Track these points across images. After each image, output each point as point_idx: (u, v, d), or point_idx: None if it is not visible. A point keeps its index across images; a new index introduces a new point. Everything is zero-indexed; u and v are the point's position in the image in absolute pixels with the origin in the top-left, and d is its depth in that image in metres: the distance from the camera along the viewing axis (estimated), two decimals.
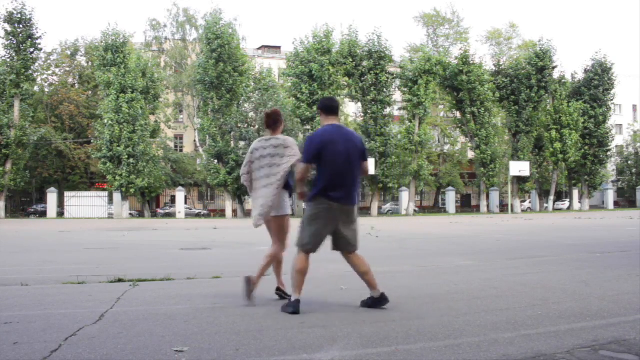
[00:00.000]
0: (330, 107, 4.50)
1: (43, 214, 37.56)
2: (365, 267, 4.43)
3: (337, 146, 4.30)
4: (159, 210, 42.40)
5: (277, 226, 4.82)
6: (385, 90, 36.43)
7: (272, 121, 4.82)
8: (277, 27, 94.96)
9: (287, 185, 4.78)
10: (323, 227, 4.35)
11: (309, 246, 4.35)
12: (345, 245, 4.43)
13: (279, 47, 56.20)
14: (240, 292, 4.72)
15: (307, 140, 4.43)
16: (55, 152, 39.76)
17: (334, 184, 4.30)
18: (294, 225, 4.78)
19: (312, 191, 4.36)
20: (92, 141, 38.06)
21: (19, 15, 33.20)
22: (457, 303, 4.59)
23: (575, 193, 43.68)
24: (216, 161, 35.04)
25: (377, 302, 4.40)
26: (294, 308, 4.20)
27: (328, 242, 4.50)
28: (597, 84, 42.39)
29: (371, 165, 33.88)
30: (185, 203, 39.44)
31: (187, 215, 37.60)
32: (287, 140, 4.74)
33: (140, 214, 37.70)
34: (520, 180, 40.38)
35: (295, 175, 4.45)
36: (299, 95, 34.57)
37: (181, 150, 48.46)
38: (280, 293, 4.96)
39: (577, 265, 7.17)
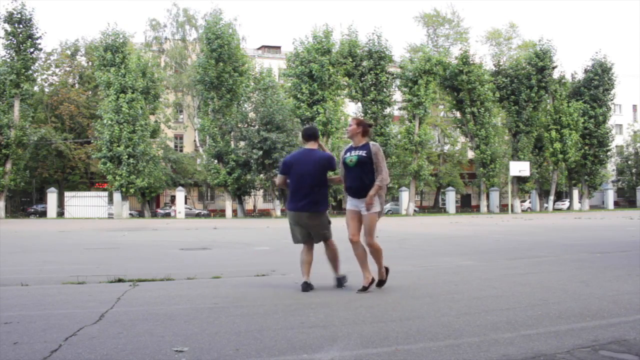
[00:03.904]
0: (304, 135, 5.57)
1: (43, 214, 37.55)
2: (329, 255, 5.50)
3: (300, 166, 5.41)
4: (159, 210, 42.40)
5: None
6: (385, 90, 36.43)
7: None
8: (277, 27, 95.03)
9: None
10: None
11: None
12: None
13: (279, 47, 56.18)
14: (240, 293, 4.67)
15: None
16: (55, 152, 39.75)
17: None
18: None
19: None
20: (92, 141, 38.06)
21: (19, 15, 33.21)
22: (457, 303, 4.59)
23: (575, 193, 43.67)
24: (216, 161, 35.04)
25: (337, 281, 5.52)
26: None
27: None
28: (597, 84, 42.39)
29: None
30: (185, 203, 39.44)
31: (187, 215, 37.59)
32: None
33: (140, 214, 37.70)
34: (520, 180, 40.38)
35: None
36: (299, 95, 34.55)
37: (181, 150, 48.44)
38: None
39: (577, 265, 7.17)
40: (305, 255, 5.42)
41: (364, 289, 5.14)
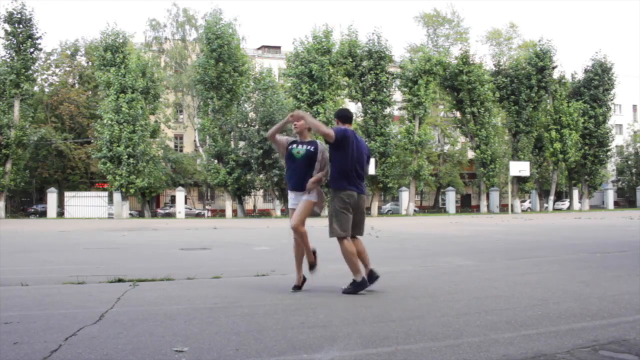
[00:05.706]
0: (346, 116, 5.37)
1: (43, 214, 37.55)
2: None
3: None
4: (159, 210, 42.36)
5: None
6: (385, 90, 36.40)
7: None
8: (277, 27, 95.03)
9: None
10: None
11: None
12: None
13: (279, 47, 56.18)
14: (240, 293, 4.69)
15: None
16: (55, 152, 39.75)
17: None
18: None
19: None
20: (92, 141, 38.05)
21: (19, 15, 33.20)
22: (457, 303, 4.59)
23: (575, 193, 43.67)
24: (216, 161, 35.04)
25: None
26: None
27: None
28: (597, 84, 42.38)
29: (371, 165, 33.89)
30: (185, 203, 39.43)
31: (187, 215, 37.60)
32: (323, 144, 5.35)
33: (140, 214, 37.69)
34: (520, 180, 40.37)
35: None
36: (299, 96, 34.53)
37: (181, 150, 48.46)
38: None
39: (577, 265, 7.17)
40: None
41: (297, 288, 5.26)
